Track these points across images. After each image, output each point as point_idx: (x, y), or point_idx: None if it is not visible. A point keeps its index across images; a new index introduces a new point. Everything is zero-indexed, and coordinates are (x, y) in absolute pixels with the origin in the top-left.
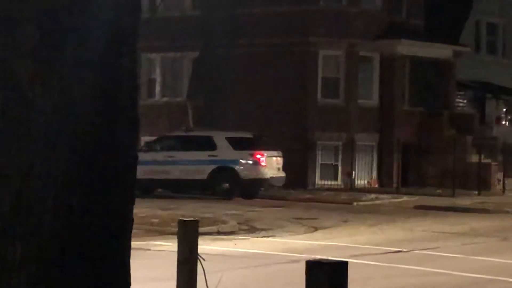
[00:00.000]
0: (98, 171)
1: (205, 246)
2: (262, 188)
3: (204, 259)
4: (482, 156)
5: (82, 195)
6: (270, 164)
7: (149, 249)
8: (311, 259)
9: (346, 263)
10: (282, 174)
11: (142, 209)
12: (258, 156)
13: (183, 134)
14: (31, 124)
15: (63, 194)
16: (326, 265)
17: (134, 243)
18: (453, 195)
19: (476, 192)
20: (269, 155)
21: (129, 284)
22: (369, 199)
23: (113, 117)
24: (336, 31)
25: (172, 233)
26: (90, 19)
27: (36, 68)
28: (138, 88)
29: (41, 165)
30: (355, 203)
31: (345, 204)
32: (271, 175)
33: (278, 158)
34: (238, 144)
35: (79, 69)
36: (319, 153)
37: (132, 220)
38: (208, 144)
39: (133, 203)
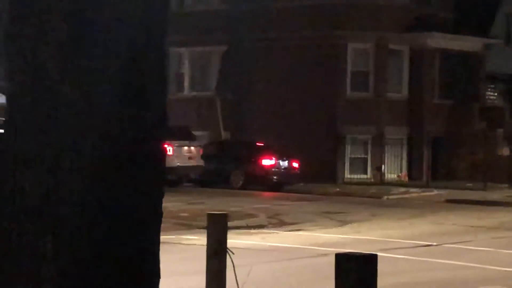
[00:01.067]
0: (127, 164)
1: (234, 240)
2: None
3: (233, 253)
4: None
5: (111, 187)
6: (180, 153)
7: (178, 243)
8: (340, 252)
9: (375, 256)
10: (196, 163)
11: (171, 203)
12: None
13: None
14: (60, 117)
15: (92, 187)
16: (356, 258)
17: (163, 237)
18: (483, 189)
19: (507, 186)
20: (179, 144)
21: (159, 276)
22: (399, 193)
23: (141, 110)
24: (365, 24)
25: (202, 227)
26: (118, 13)
27: (64, 61)
28: (166, 82)
29: (69, 158)
30: (384, 197)
31: (375, 198)
32: (179, 164)
33: (192, 148)
34: None
35: (107, 62)
36: (348, 147)
37: (161, 213)
38: None
39: (162, 197)
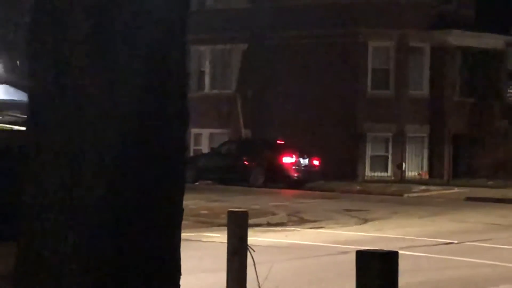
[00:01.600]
0: (149, 162)
1: (255, 237)
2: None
3: (254, 250)
4: None
5: (132, 184)
6: None
7: (199, 240)
8: (361, 250)
9: (396, 253)
10: None
11: (191, 201)
12: None
13: None
14: (81, 113)
15: (114, 183)
16: (377, 256)
17: (184, 235)
18: (504, 187)
19: None
20: None
21: (179, 273)
22: (420, 191)
23: (162, 107)
24: (386, 21)
25: (222, 225)
26: (140, 11)
27: (87, 57)
28: (187, 79)
29: (91, 154)
30: (405, 195)
31: (396, 196)
32: None
33: None
34: None
35: (129, 59)
36: (369, 144)
37: (182, 210)
38: None
39: (183, 194)
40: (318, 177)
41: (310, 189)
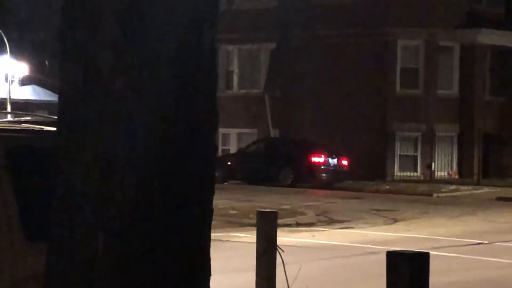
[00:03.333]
0: (178, 162)
1: (284, 237)
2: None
3: (283, 250)
4: None
5: (163, 184)
6: None
7: (228, 240)
8: (392, 250)
9: (427, 254)
10: None
11: (220, 201)
12: None
13: None
14: (112, 115)
15: (144, 184)
16: (408, 257)
17: (213, 234)
18: None
19: None
20: None
21: (210, 273)
22: (450, 191)
23: (192, 108)
24: (415, 20)
25: (251, 225)
26: (169, 11)
27: (116, 60)
28: (217, 79)
29: (122, 156)
30: (435, 195)
31: (425, 196)
32: None
33: None
34: None
35: (159, 60)
36: (398, 144)
37: (212, 210)
38: None
39: (213, 194)
40: (347, 177)
41: (339, 189)
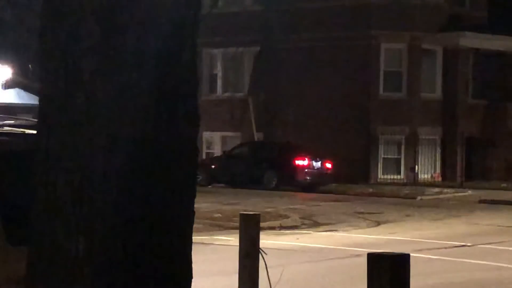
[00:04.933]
0: (159, 164)
1: (267, 240)
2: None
3: (266, 253)
4: None
5: (144, 188)
6: None
7: (212, 244)
8: (372, 252)
9: (408, 255)
10: None
11: (204, 204)
12: None
13: None
14: (92, 116)
15: (125, 186)
16: (388, 258)
17: (197, 238)
18: None
19: None
20: None
21: (191, 276)
22: (433, 193)
23: (173, 110)
24: (398, 24)
25: (235, 228)
26: (150, 14)
27: (97, 62)
28: (198, 82)
29: (102, 159)
30: (418, 198)
31: (409, 199)
32: None
33: None
34: None
35: (140, 63)
36: (381, 147)
37: (194, 212)
38: None
39: (194, 195)
40: (331, 180)
41: (323, 192)
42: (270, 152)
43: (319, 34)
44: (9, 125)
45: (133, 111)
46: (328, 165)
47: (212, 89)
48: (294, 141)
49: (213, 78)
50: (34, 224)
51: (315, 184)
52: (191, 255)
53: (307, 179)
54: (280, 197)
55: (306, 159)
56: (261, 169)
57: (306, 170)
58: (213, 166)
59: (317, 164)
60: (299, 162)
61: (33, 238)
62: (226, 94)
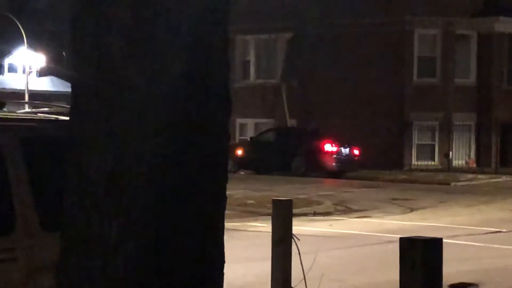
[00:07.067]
0: (191, 149)
1: (300, 227)
2: None
3: (298, 239)
4: None
5: (175, 172)
6: None
7: (245, 230)
8: (405, 237)
9: (440, 240)
10: None
11: (236, 191)
12: None
13: None
14: (124, 103)
15: (156, 172)
16: (420, 242)
17: (230, 224)
18: None
19: None
20: None
21: (223, 261)
22: (467, 180)
23: (205, 95)
24: (432, 9)
25: (267, 214)
26: (182, 0)
27: (129, 47)
28: (229, 67)
29: (134, 144)
30: (452, 184)
31: (442, 185)
32: None
33: None
34: None
35: (171, 48)
36: (415, 133)
37: (225, 198)
38: None
39: (226, 181)
40: (358, 167)
41: (355, 178)
42: (298, 138)
43: (352, 20)
44: (44, 112)
45: (164, 97)
46: (356, 152)
47: (245, 75)
48: (324, 127)
49: (246, 65)
50: (66, 210)
51: (343, 171)
52: (223, 240)
53: (335, 165)
54: (310, 183)
55: (335, 145)
56: (289, 155)
57: (335, 156)
58: (239, 152)
59: (345, 151)
60: (327, 148)
61: (65, 223)
62: (259, 81)
